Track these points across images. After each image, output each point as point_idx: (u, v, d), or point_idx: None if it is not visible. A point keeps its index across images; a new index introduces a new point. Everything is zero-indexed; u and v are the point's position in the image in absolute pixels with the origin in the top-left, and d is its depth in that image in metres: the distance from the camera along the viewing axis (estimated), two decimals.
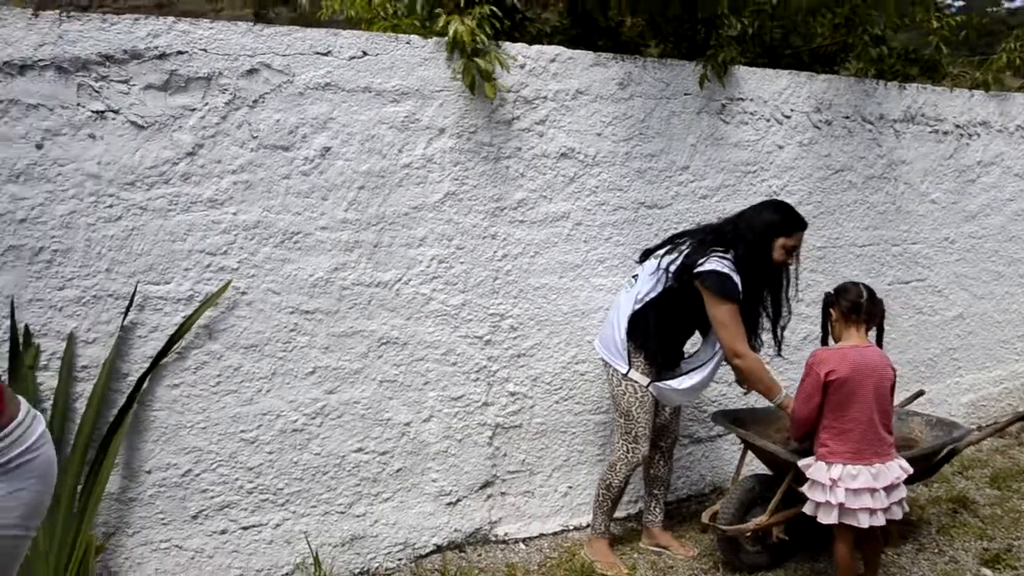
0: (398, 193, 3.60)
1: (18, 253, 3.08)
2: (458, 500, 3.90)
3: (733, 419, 3.85)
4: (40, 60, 3.08)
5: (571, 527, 4.17)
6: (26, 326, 3.11)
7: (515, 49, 3.79)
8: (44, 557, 3.09)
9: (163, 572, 3.42)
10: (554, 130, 3.89)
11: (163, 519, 3.39)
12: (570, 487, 4.15)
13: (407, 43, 3.62)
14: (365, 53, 3.53)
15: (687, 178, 4.26)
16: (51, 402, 3.16)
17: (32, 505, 2.09)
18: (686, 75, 4.21)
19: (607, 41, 4.59)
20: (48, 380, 3.16)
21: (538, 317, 3.97)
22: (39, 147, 3.09)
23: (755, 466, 4.07)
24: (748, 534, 3.60)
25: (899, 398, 3.75)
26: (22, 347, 3.10)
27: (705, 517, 3.69)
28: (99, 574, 3.31)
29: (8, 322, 3.08)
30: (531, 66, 3.82)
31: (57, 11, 3.15)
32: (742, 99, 4.39)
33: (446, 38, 3.61)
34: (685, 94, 4.21)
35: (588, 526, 3.96)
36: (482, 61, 3.58)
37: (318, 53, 3.46)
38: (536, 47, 3.86)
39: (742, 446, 3.86)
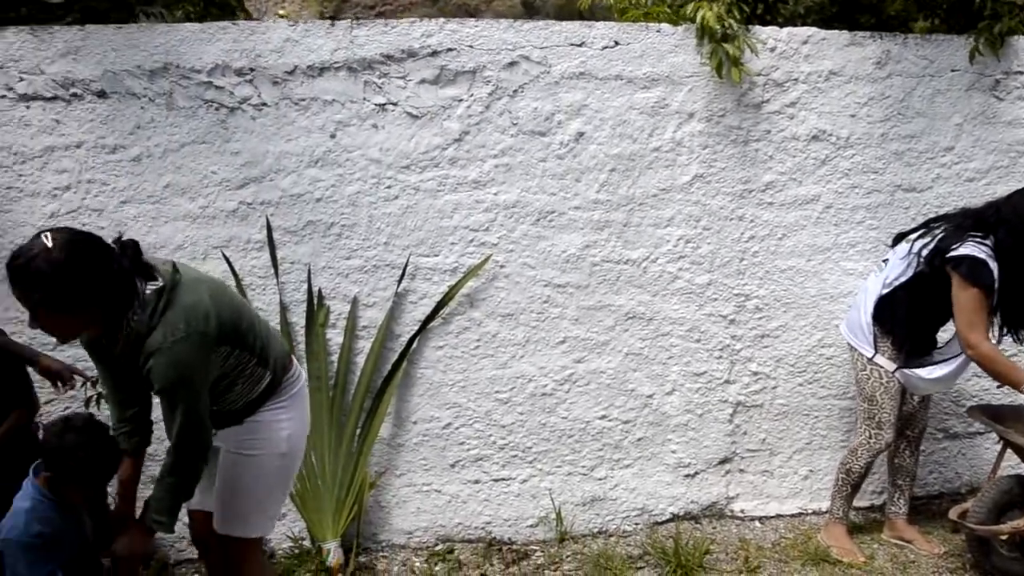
0: (647, 175, 3.77)
1: (315, 227, 3.61)
2: (696, 473, 4.02)
3: (993, 415, 3.65)
4: (335, 62, 3.56)
5: (809, 511, 4.15)
6: (319, 290, 3.64)
7: (765, 33, 3.81)
8: (330, 488, 3.62)
9: (423, 511, 3.85)
10: (805, 112, 3.87)
11: (425, 465, 3.82)
12: (810, 471, 4.13)
13: (657, 31, 3.76)
14: (617, 43, 3.71)
15: (951, 160, 4.06)
16: (337, 355, 3.68)
17: (308, 426, 2.67)
18: (953, 50, 4.00)
19: (869, 18, 4.44)
20: (335, 337, 3.68)
21: (784, 299, 3.98)
22: (333, 136, 3.58)
23: (1013, 465, 3.83)
24: (1003, 537, 3.42)
25: None
26: (316, 307, 3.63)
27: (953, 514, 3.55)
28: (370, 506, 3.80)
29: (306, 286, 3.62)
30: (782, 48, 3.82)
31: (348, 20, 3.63)
32: (1021, 72, 4.10)
33: (695, 25, 3.70)
34: (952, 71, 4.00)
35: (827, 512, 3.94)
36: (730, 46, 3.65)
37: (573, 44, 3.69)
38: (787, 29, 3.85)
39: (1001, 443, 3.66)
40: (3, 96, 3.48)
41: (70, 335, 2.28)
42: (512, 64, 3.64)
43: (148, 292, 2.26)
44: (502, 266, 3.72)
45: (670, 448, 3.99)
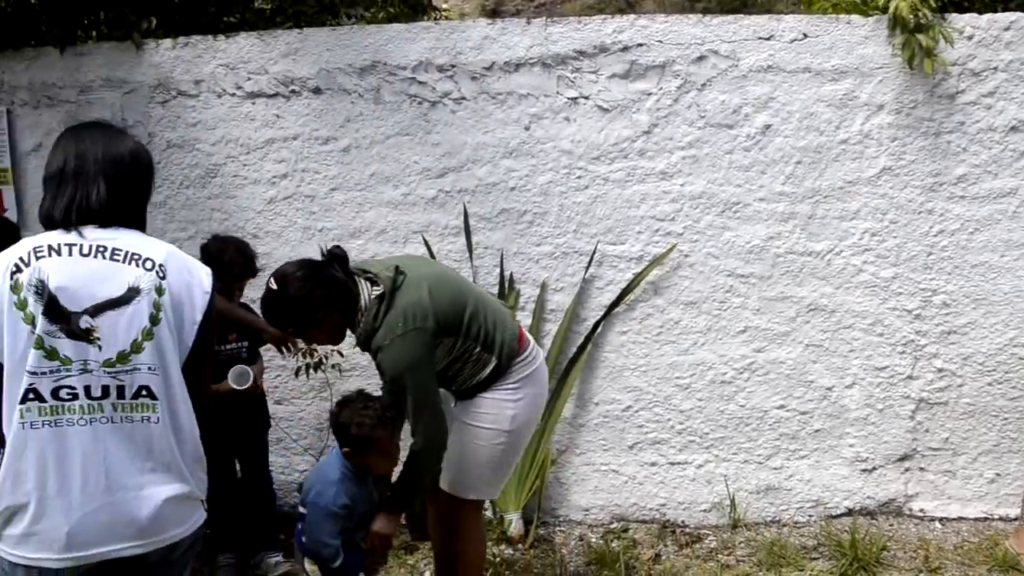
0: (833, 168, 3.77)
1: (508, 215, 3.81)
2: (874, 468, 3.99)
3: None
4: (530, 58, 3.74)
5: (996, 516, 4.03)
6: (511, 274, 3.84)
7: (962, 20, 3.73)
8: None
9: (600, 490, 4.00)
10: (1004, 102, 3.76)
11: (604, 445, 3.97)
12: (998, 474, 4.02)
13: (847, 23, 3.74)
14: (806, 35, 3.73)
15: None
16: None
17: (540, 407, 2.82)
18: None
19: None
20: (524, 319, 3.87)
21: (974, 295, 3.89)
22: (527, 129, 3.77)
23: None
24: None
25: None
26: (507, 291, 3.83)
27: None
28: (551, 482, 3.97)
29: (498, 270, 3.83)
30: (980, 36, 3.73)
31: (544, 18, 3.80)
32: None
33: (887, 15, 3.67)
34: None
35: (1016, 518, 3.82)
36: (924, 36, 3.59)
37: (761, 38, 3.73)
38: (987, 16, 3.75)
39: None
40: (233, 94, 3.85)
41: (334, 339, 2.71)
42: (701, 58, 3.72)
43: (372, 298, 2.58)
44: (686, 255, 3.82)
45: (848, 442, 3.97)
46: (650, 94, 3.74)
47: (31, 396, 1.79)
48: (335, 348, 3.80)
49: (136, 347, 1.88)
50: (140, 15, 4.04)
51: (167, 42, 3.92)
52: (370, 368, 3.90)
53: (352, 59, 3.77)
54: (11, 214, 4.16)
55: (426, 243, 3.81)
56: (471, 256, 3.83)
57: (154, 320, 1.90)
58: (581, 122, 3.75)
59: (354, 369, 3.93)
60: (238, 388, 3.34)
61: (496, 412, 2.75)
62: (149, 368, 1.89)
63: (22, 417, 1.79)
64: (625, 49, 3.73)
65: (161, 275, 1.92)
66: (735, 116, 3.74)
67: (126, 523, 1.86)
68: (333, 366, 3.83)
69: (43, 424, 1.80)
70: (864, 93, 3.74)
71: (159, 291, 1.91)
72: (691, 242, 3.81)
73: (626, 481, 4.00)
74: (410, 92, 3.77)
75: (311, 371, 3.73)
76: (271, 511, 3.69)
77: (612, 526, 3.99)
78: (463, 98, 3.76)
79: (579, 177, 3.78)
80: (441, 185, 3.81)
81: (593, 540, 3.90)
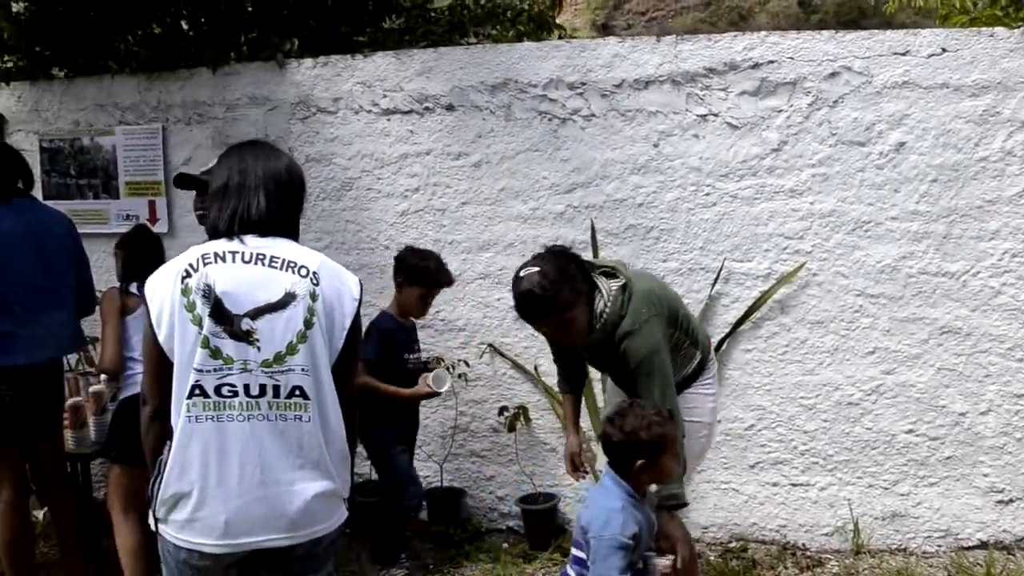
0: (971, 186, 3.66)
1: (635, 231, 3.85)
2: (1011, 500, 3.84)
3: None
4: (659, 76, 3.78)
5: None
6: None
7: None
8: None
9: (719, 508, 3.98)
10: None
11: (725, 464, 3.95)
12: None
13: (989, 36, 3.64)
14: (944, 50, 3.64)
15: None
16: None
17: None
18: None
19: None
20: None
21: None
22: (655, 146, 3.80)
23: None
24: None
25: None
26: None
27: None
28: None
29: None
30: None
31: (673, 36, 3.83)
32: None
33: None
34: None
35: None
36: None
37: (896, 53, 3.67)
38: None
39: None
40: (369, 111, 4.01)
41: (582, 334, 2.68)
42: (833, 75, 3.68)
43: (614, 289, 2.69)
44: (815, 274, 3.77)
45: (982, 471, 3.83)
46: (780, 111, 3.72)
47: (197, 392, 1.93)
48: (462, 359, 3.94)
49: (291, 349, 2.00)
50: (283, 37, 4.27)
51: (308, 61, 4.13)
52: (495, 378, 4.01)
53: (484, 77, 3.88)
54: (163, 223, 4.44)
55: None
56: None
57: (308, 324, 2.02)
58: (710, 139, 3.76)
59: (479, 379, 4.03)
60: (438, 391, 3.55)
61: (700, 406, 2.90)
62: (302, 369, 2.00)
63: (188, 411, 1.93)
64: (756, 66, 3.72)
65: (315, 282, 2.03)
66: (868, 133, 3.68)
67: (278, 516, 1.98)
68: (460, 376, 3.94)
69: (207, 419, 1.94)
70: (1007, 109, 3.63)
71: (313, 297, 2.02)
72: (820, 260, 3.76)
73: (746, 500, 3.96)
74: (540, 109, 3.86)
75: None
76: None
77: (731, 545, 3.96)
78: (592, 115, 3.83)
79: (707, 194, 3.79)
80: (569, 200, 3.88)
81: (711, 558, 3.88)
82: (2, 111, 4.65)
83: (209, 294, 1.95)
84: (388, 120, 4.00)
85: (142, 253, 3.43)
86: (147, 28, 4.76)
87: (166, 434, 2.01)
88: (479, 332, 4.00)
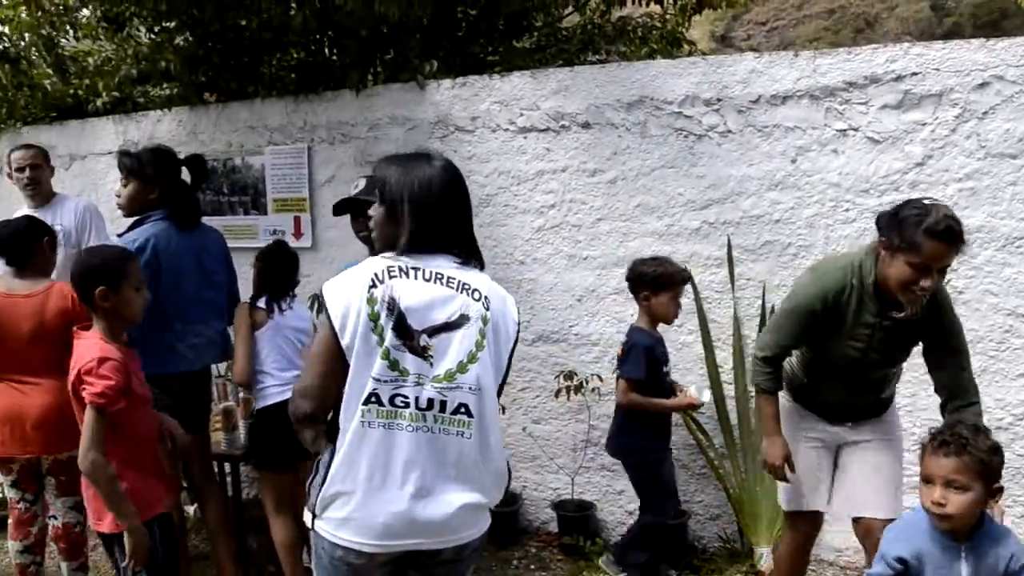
0: None
1: (771, 247, 3.82)
2: None
3: None
4: (797, 91, 3.74)
5: None
6: (773, 306, 3.83)
7: None
8: (768, 495, 3.78)
9: None
10: None
11: None
12: None
13: None
14: None
15: None
16: None
17: None
18: None
19: None
20: None
21: None
22: (793, 161, 3.77)
23: None
24: None
25: None
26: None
27: None
28: None
29: (759, 302, 3.84)
30: None
31: (812, 51, 3.79)
32: None
33: None
34: None
35: None
36: None
37: None
38: None
39: None
40: (506, 129, 4.12)
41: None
42: (983, 85, 3.56)
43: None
44: (961, 292, 3.65)
45: None
46: (924, 124, 3.63)
47: (372, 399, 2.03)
48: (595, 373, 3.98)
49: (462, 368, 2.07)
50: (422, 59, 4.43)
51: (446, 82, 4.27)
52: None
53: (620, 95, 3.93)
54: (307, 237, 4.67)
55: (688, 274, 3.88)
56: (733, 287, 3.87)
57: (479, 345, 2.09)
58: (850, 154, 3.70)
59: (611, 394, 4.06)
60: (702, 401, 3.67)
61: (898, 423, 3.14)
62: (470, 388, 2.08)
63: (363, 416, 2.02)
64: (898, 79, 3.65)
65: (486, 306, 2.11)
66: (1020, 145, 3.55)
67: (431, 523, 2.06)
68: (593, 389, 3.99)
69: (378, 425, 2.03)
70: None
71: (484, 320, 2.10)
72: (967, 278, 3.64)
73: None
74: (676, 126, 3.88)
75: (571, 393, 3.91)
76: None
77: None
78: (729, 131, 3.82)
79: (846, 210, 3.72)
80: (705, 217, 3.88)
81: None
82: (164, 134, 4.99)
83: (393, 308, 2.03)
84: (525, 138, 4.09)
85: (277, 268, 3.58)
86: (294, 54, 5.02)
87: (322, 434, 2.10)
88: (613, 346, 4.03)
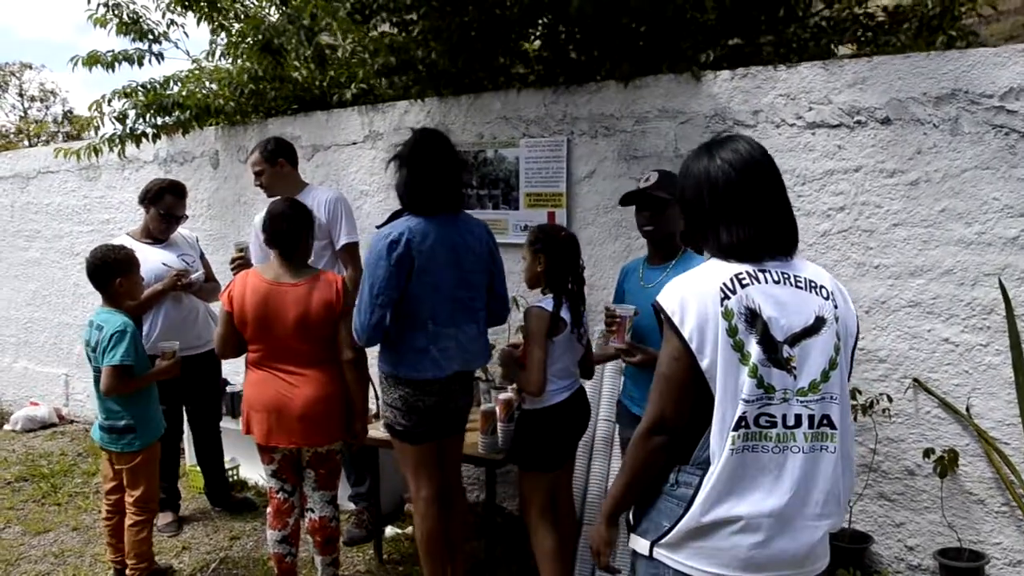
0: None
1: None
2: None
3: None
4: None
5: None
6: None
7: None
8: None
9: None
10: None
11: None
12: None
13: None
14: None
15: None
16: None
17: None
18: None
19: None
20: None
21: None
22: None
23: None
24: None
25: None
26: None
27: None
28: None
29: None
30: None
31: None
32: None
33: None
34: None
35: None
36: None
37: None
38: None
39: None
40: (792, 124, 3.83)
41: None
42: None
43: None
44: None
45: None
46: None
47: (742, 424, 1.84)
48: (883, 393, 3.65)
49: (824, 376, 1.89)
50: (697, 49, 4.19)
51: (725, 73, 4.02)
52: (917, 417, 3.67)
53: (928, 87, 3.56)
54: None
55: (1002, 287, 3.46)
56: None
57: (836, 349, 1.91)
58: None
59: (898, 416, 3.70)
60: None
61: None
62: (832, 397, 1.89)
63: (733, 443, 1.84)
64: None
65: (835, 303, 1.93)
66: None
67: (798, 553, 1.88)
68: (883, 411, 3.65)
69: (743, 449, 1.85)
70: None
71: (836, 320, 1.92)
72: None
73: None
74: (995, 122, 3.46)
75: (858, 414, 3.58)
76: None
77: None
78: None
79: None
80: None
81: None
82: (411, 125, 4.98)
83: (753, 319, 1.86)
84: (813, 134, 3.78)
85: (565, 259, 3.37)
86: (552, 43, 4.89)
87: (663, 458, 1.95)
88: (903, 365, 3.67)
